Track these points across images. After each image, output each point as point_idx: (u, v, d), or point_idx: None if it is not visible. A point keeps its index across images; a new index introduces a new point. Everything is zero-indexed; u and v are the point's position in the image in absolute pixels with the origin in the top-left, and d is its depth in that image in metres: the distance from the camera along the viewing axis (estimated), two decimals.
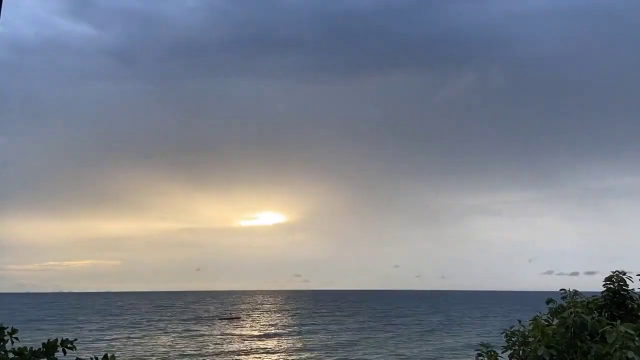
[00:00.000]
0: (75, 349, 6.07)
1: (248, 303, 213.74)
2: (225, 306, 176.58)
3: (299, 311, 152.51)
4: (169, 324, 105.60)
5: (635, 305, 8.48)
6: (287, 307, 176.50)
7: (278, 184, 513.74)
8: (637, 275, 8.66)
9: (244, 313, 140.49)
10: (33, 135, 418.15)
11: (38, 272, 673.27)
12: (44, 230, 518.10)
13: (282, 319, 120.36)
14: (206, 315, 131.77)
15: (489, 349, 8.37)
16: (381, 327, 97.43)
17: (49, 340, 6.04)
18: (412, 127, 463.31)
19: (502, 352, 8.33)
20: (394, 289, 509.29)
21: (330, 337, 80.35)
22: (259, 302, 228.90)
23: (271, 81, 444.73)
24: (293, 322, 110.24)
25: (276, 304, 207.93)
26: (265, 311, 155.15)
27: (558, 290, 8.96)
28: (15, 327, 6.07)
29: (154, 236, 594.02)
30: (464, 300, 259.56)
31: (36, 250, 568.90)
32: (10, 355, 5.90)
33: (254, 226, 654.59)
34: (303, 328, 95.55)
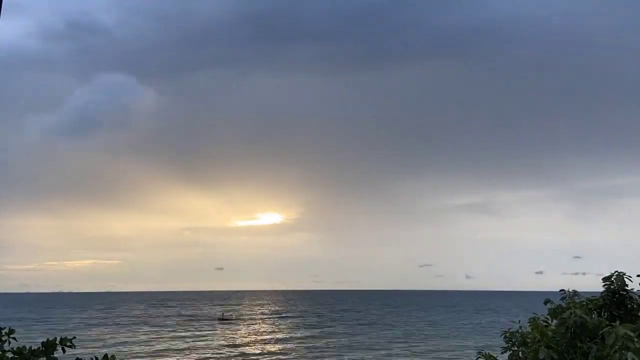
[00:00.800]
0: (75, 347, 6.09)
1: (254, 303, 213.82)
2: (231, 307, 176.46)
3: (302, 312, 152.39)
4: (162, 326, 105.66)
5: (635, 305, 8.50)
6: (293, 308, 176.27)
7: (282, 183, 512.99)
8: (638, 275, 8.67)
9: (245, 314, 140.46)
10: (35, 133, 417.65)
11: (38, 272, 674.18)
12: (44, 230, 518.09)
13: (284, 321, 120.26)
14: (204, 316, 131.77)
15: (488, 353, 8.39)
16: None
17: (48, 339, 6.07)
18: (417, 123, 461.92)
19: (502, 353, 8.34)
20: (415, 289, 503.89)
21: (327, 341, 79.81)
22: (265, 302, 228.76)
23: (279, 75, 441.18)
24: (294, 325, 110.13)
25: (282, 304, 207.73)
26: (268, 312, 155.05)
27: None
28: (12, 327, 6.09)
29: (156, 235, 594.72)
30: (491, 299, 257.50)
31: (39, 251, 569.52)
32: (9, 354, 5.92)
33: (258, 226, 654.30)
34: (299, 331, 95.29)
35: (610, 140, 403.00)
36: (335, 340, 79.04)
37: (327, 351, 67.26)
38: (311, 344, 74.08)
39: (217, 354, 65.15)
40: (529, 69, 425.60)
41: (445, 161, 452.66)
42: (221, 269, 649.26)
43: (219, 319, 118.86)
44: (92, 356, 6.20)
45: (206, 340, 79.05)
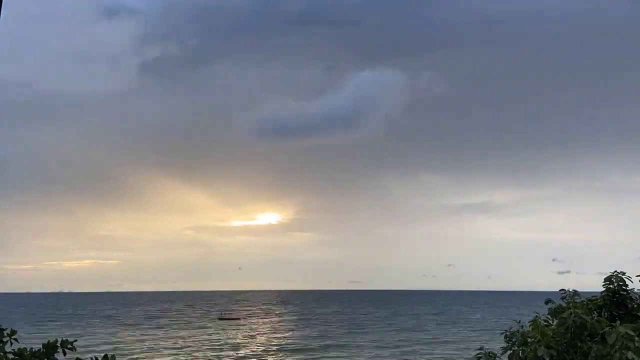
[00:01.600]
0: (75, 350, 6.09)
1: (256, 303, 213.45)
2: (232, 307, 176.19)
3: (304, 311, 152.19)
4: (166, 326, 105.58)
5: (635, 305, 8.51)
6: (294, 308, 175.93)
7: (285, 182, 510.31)
8: (637, 276, 8.68)
9: (245, 313, 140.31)
10: (36, 133, 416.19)
11: (38, 272, 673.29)
12: (44, 230, 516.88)
13: (285, 321, 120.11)
14: (205, 315, 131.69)
15: (488, 351, 8.39)
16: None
17: (49, 341, 6.07)
18: (420, 120, 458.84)
19: (502, 353, 8.33)
20: (439, 289, 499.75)
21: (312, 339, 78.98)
22: (268, 302, 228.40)
23: (280, 68, 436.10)
24: (293, 325, 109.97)
25: (284, 304, 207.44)
26: (270, 311, 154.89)
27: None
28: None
29: (156, 235, 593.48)
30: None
31: (39, 251, 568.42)
32: (10, 356, 5.93)
33: (259, 225, 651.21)
34: (299, 332, 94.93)
35: (627, 137, 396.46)
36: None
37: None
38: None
39: (215, 353, 65.14)
40: (542, 67, 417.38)
41: (453, 160, 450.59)
42: (240, 269, 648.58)
43: (219, 318, 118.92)
44: (91, 356, 6.20)
45: (205, 339, 78.98)
